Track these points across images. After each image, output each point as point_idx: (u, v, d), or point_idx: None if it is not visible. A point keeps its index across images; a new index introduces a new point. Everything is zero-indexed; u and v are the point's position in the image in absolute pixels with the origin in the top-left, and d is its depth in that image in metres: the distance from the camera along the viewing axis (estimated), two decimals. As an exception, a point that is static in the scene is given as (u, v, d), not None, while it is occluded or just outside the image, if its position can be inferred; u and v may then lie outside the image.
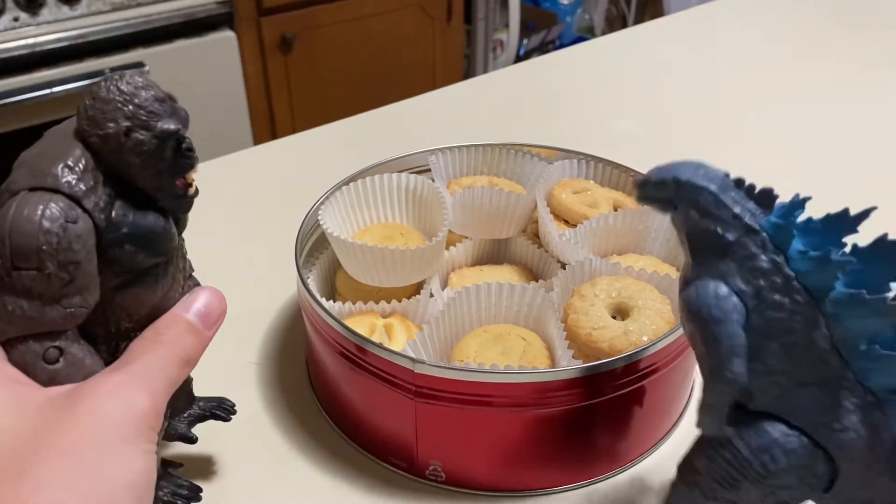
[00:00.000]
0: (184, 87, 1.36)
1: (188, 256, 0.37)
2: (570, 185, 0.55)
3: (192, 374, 0.40)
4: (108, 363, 0.30)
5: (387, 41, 1.67)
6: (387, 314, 0.47)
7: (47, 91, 1.21)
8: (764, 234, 0.30)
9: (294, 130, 0.96)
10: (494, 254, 0.56)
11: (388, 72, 1.70)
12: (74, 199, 0.27)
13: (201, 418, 0.41)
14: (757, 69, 0.95)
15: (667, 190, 0.31)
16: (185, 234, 0.34)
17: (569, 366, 0.39)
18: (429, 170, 0.56)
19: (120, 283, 0.30)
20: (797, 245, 0.30)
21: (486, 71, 1.91)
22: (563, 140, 0.60)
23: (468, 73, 1.95)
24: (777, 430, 0.31)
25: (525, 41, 2.11)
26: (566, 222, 0.53)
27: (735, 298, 0.30)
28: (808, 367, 0.30)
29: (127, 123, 0.28)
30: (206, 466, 0.44)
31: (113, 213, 0.28)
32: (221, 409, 0.41)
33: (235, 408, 0.42)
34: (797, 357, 0.30)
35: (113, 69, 1.27)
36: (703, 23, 1.10)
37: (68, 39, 1.25)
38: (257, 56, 1.48)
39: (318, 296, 0.44)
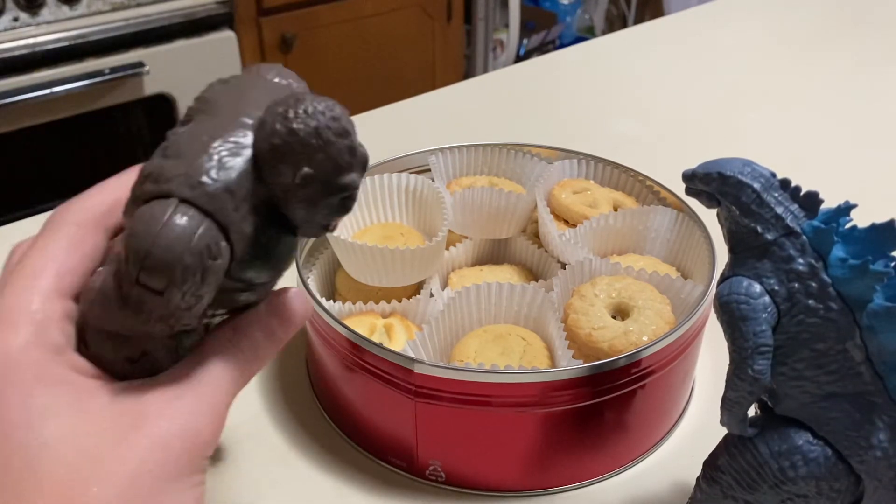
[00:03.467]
0: (183, 88, 1.37)
1: None
2: (570, 185, 0.55)
3: None
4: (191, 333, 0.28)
5: (387, 41, 1.67)
6: (387, 314, 0.47)
7: (47, 91, 1.21)
8: (804, 238, 0.30)
9: (294, 130, 0.96)
10: (494, 254, 0.56)
11: (388, 72, 1.70)
12: (223, 230, 0.24)
13: None
14: (757, 69, 0.95)
15: (711, 183, 0.31)
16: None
17: (569, 366, 0.39)
18: (429, 170, 0.56)
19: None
20: (837, 252, 0.29)
21: (486, 71, 1.91)
22: (563, 140, 0.60)
23: (468, 73, 1.94)
24: (801, 438, 0.31)
25: (525, 41, 2.10)
26: (566, 222, 0.53)
27: (767, 298, 0.30)
28: (839, 378, 0.30)
29: (310, 171, 0.24)
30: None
31: (247, 241, 0.25)
32: None
33: None
34: (827, 366, 0.30)
35: (113, 69, 1.27)
36: (704, 23, 1.10)
37: (68, 39, 1.25)
38: (257, 56, 1.48)
39: (318, 296, 0.44)
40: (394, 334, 0.46)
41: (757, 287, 0.30)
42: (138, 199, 0.25)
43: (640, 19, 2.25)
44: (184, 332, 0.27)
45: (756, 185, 0.30)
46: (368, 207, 0.54)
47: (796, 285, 0.29)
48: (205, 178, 0.24)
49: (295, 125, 0.24)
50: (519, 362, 0.42)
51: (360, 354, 0.41)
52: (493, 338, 0.44)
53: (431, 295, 0.49)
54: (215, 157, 0.24)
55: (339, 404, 0.46)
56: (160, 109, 1.37)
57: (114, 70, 1.27)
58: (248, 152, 0.25)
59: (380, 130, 0.82)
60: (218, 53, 1.40)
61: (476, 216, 0.52)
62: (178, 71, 1.34)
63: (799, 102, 0.87)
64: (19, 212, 0.74)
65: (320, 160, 0.24)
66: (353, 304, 0.47)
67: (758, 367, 0.30)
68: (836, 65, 0.95)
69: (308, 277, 0.49)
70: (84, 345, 0.27)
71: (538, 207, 0.52)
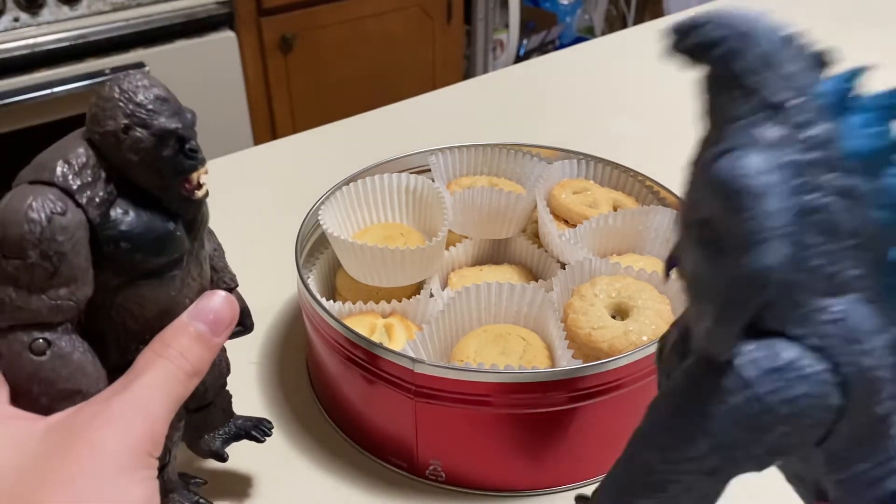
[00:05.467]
0: (184, 88, 1.36)
1: (231, 269, 0.37)
2: (570, 185, 0.55)
3: (230, 390, 0.40)
4: (118, 364, 0.30)
5: (387, 41, 1.67)
6: (387, 314, 0.47)
7: (47, 91, 1.21)
8: (817, 101, 0.25)
9: (294, 130, 0.96)
10: (494, 254, 0.56)
11: (387, 72, 1.70)
12: (67, 193, 0.28)
13: (237, 437, 0.40)
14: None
15: (710, 34, 0.26)
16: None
17: (568, 366, 0.39)
18: (429, 170, 0.56)
19: (120, 283, 0.30)
20: (854, 119, 0.25)
21: (485, 71, 1.91)
22: (563, 140, 0.60)
23: (468, 74, 1.95)
24: (793, 351, 0.25)
25: (525, 41, 2.10)
26: (566, 222, 0.53)
27: (779, 173, 0.24)
28: (843, 271, 0.25)
29: (125, 121, 0.28)
30: (205, 466, 0.44)
31: (110, 211, 0.29)
32: (258, 430, 0.40)
33: (272, 429, 0.41)
34: (834, 255, 0.25)
35: (113, 69, 1.27)
36: (703, 23, 1.10)
37: (68, 40, 1.25)
38: (257, 56, 1.48)
39: (318, 296, 0.44)
40: (394, 334, 0.46)
41: (766, 160, 0.24)
42: None
43: (639, 20, 2.25)
44: (105, 338, 0.30)
45: (764, 40, 0.26)
46: (368, 207, 0.54)
47: (809, 156, 0.25)
48: (46, 163, 0.28)
49: (103, 92, 0.28)
50: (519, 362, 0.42)
51: (360, 354, 0.41)
52: (493, 338, 0.44)
53: (431, 295, 0.49)
54: (57, 150, 0.29)
55: (339, 404, 0.46)
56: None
57: (114, 70, 1.27)
58: (81, 140, 0.29)
59: (380, 130, 0.82)
60: (218, 54, 1.40)
61: (476, 216, 0.52)
62: (178, 71, 1.34)
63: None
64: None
65: (130, 109, 0.28)
66: (353, 304, 0.47)
67: (775, 254, 0.24)
68: (835, 64, 0.95)
69: (308, 277, 0.49)
70: None
71: (538, 207, 0.52)
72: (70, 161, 0.28)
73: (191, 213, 0.31)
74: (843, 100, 0.25)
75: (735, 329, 0.25)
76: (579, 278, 0.47)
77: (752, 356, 0.25)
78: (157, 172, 0.29)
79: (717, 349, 0.26)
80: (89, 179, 0.28)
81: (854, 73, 0.26)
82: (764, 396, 0.25)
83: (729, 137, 0.26)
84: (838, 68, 0.26)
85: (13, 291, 0.28)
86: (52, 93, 1.21)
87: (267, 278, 0.59)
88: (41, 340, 0.28)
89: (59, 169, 0.28)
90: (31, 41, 1.22)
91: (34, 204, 0.27)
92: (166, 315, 0.31)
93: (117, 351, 0.31)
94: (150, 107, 0.28)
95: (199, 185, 0.30)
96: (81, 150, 0.28)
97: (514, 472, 0.42)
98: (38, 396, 0.29)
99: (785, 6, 1.18)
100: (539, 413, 0.40)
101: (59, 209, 0.27)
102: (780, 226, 0.24)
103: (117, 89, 0.28)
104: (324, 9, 1.54)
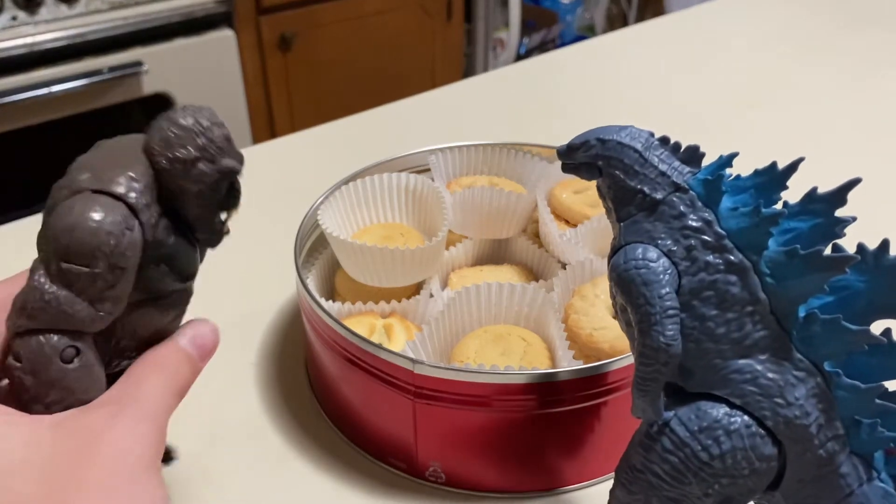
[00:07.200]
0: (182, 86, 1.37)
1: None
2: (571, 185, 0.55)
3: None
4: None
5: (386, 40, 1.67)
6: (386, 314, 0.47)
7: (45, 90, 1.21)
8: (692, 193, 0.29)
9: (293, 130, 0.96)
10: (494, 254, 0.55)
11: (387, 71, 1.69)
12: (133, 211, 0.28)
13: None
14: (758, 68, 0.95)
15: (591, 150, 0.30)
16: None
17: (569, 366, 0.39)
18: (429, 170, 0.56)
19: (137, 301, 0.30)
20: (727, 202, 0.28)
21: (486, 70, 1.91)
22: (563, 140, 0.60)
23: (468, 73, 1.94)
24: (718, 410, 0.29)
25: (525, 40, 2.10)
26: (567, 222, 0.53)
27: (665, 260, 0.28)
28: (748, 335, 0.28)
29: (197, 153, 0.29)
30: (205, 467, 0.44)
31: (157, 232, 0.30)
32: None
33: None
34: (735, 323, 0.28)
35: (111, 68, 1.27)
36: (704, 22, 1.10)
37: (67, 38, 1.25)
38: (256, 55, 1.48)
39: (317, 296, 0.44)
40: (393, 335, 0.46)
41: (653, 251, 0.28)
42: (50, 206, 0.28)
43: (640, 18, 2.25)
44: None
45: (637, 146, 0.30)
46: (368, 207, 0.54)
47: (692, 241, 0.28)
48: (110, 174, 0.28)
49: (177, 118, 0.29)
50: (519, 363, 0.42)
51: (359, 355, 0.41)
52: (494, 338, 0.44)
53: (431, 295, 0.48)
54: (115, 161, 0.29)
55: (338, 405, 0.46)
56: (159, 109, 1.36)
57: (112, 69, 1.27)
58: (143, 158, 0.29)
59: (380, 130, 0.82)
60: (217, 52, 1.40)
61: (476, 216, 0.52)
62: (176, 70, 1.34)
63: (800, 102, 0.87)
64: (17, 211, 0.73)
65: (203, 143, 0.29)
66: (353, 304, 0.47)
67: (668, 332, 0.28)
68: (837, 64, 0.95)
69: (307, 278, 0.49)
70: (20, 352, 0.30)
71: (538, 207, 0.52)
72: (136, 178, 0.29)
73: (213, 245, 0.33)
74: (716, 186, 0.29)
75: (653, 398, 0.29)
76: (580, 278, 0.47)
77: (683, 418, 0.29)
78: (206, 205, 0.31)
79: (645, 417, 0.30)
80: (149, 200, 0.29)
81: (723, 162, 0.30)
82: (699, 453, 0.29)
83: (622, 235, 0.30)
84: (707, 159, 0.30)
85: (65, 295, 0.28)
86: (51, 92, 1.21)
87: (266, 278, 0.59)
88: (72, 348, 0.29)
89: (127, 184, 0.28)
90: (29, 40, 1.22)
91: (112, 218, 0.28)
92: (156, 336, 0.32)
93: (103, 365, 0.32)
94: (220, 145, 0.30)
95: (226, 222, 0.33)
96: (143, 169, 0.29)
97: (514, 473, 0.42)
98: (51, 403, 0.29)
99: (785, 7, 1.18)
100: (540, 414, 0.40)
101: (130, 226, 0.28)
102: (669, 307, 0.28)
103: (194, 121, 0.29)
104: (323, 7, 1.53)
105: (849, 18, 1.08)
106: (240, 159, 0.31)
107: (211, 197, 0.30)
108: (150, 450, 0.28)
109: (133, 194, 0.28)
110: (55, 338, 0.28)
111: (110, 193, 0.28)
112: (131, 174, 0.29)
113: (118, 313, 0.29)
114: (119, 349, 0.31)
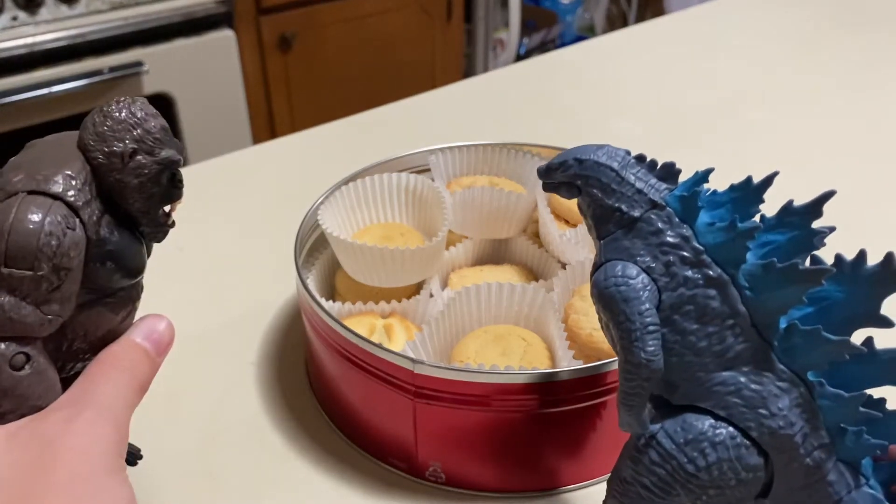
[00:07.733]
0: (182, 87, 1.37)
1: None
2: (571, 185, 0.55)
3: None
4: None
5: (386, 40, 1.67)
6: (386, 314, 0.47)
7: (46, 90, 1.21)
8: (669, 209, 0.29)
9: (293, 130, 0.96)
10: (494, 254, 0.55)
11: (387, 71, 1.69)
12: (73, 209, 0.28)
13: None
14: (758, 68, 0.95)
15: (569, 170, 0.31)
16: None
17: (569, 366, 0.39)
18: (429, 170, 0.56)
19: (86, 302, 0.30)
20: (704, 218, 0.29)
21: (486, 70, 1.91)
22: (564, 139, 0.60)
23: (468, 73, 1.94)
24: (704, 423, 0.29)
25: (525, 40, 2.10)
26: (567, 222, 0.53)
27: (645, 277, 0.29)
28: (729, 348, 0.29)
29: (133, 146, 0.29)
30: (205, 467, 0.44)
31: (100, 230, 0.29)
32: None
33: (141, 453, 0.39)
34: (716, 336, 0.29)
35: (112, 68, 1.27)
36: (704, 22, 1.10)
37: (67, 38, 1.25)
38: (256, 55, 1.48)
39: (317, 296, 0.44)
40: (393, 334, 0.46)
41: (633, 268, 0.29)
42: None
43: (640, 18, 2.25)
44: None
45: (614, 164, 0.30)
46: (368, 207, 0.54)
47: (671, 258, 0.29)
48: (46, 174, 0.28)
49: (113, 113, 0.29)
50: (519, 363, 0.42)
51: (359, 355, 0.41)
52: (494, 338, 0.44)
53: (431, 295, 0.48)
54: (50, 160, 0.28)
55: (338, 405, 0.46)
56: (159, 109, 1.35)
57: (113, 69, 1.27)
58: (79, 154, 0.29)
59: (379, 129, 0.82)
60: (217, 52, 1.40)
61: (476, 216, 0.52)
62: (177, 70, 1.34)
63: (800, 102, 0.87)
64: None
65: (139, 135, 0.29)
66: (353, 304, 0.47)
67: (649, 348, 0.28)
68: (837, 64, 0.95)
69: (307, 277, 0.49)
70: None
71: (539, 207, 0.52)
72: (72, 176, 0.28)
73: (159, 239, 0.32)
74: (692, 203, 0.29)
75: (637, 412, 0.30)
76: (580, 278, 0.47)
77: (669, 431, 0.30)
78: (148, 198, 0.30)
79: (632, 430, 0.31)
80: (88, 197, 0.28)
81: (699, 178, 0.30)
82: (685, 465, 0.29)
83: (602, 252, 0.31)
84: (704, 163, 0.31)
85: (9, 301, 0.27)
86: (51, 92, 1.21)
87: (266, 278, 0.59)
88: (21, 355, 0.28)
89: (64, 183, 0.28)
90: (29, 40, 1.22)
91: (50, 218, 0.27)
92: (109, 336, 0.31)
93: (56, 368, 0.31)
94: (157, 136, 0.29)
95: (170, 214, 0.32)
96: (80, 165, 0.28)
97: (514, 473, 0.42)
98: (5, 413, 0.28)
99: (785, 7, 1.18)
100: (540, 414, 0.40)
101: (71, 225, 0.27)
102: (650, 323, 0.28)
103: (129, 113, 0.29)
104: (323, 7, 1.53)
105: (849, 18, 1.08)
106: (179, 149, 0.30)
107: (152, 189, 0.30)
108: (111, 450, 0.27)
109: (71, 192, 0.28)
110: (3, 345, 0.28)
111: (47, 193, 0.27)
112: (68, 172, 0.28)
113: (67, 315, 0.29)
114: (72, 352, 0.31)
